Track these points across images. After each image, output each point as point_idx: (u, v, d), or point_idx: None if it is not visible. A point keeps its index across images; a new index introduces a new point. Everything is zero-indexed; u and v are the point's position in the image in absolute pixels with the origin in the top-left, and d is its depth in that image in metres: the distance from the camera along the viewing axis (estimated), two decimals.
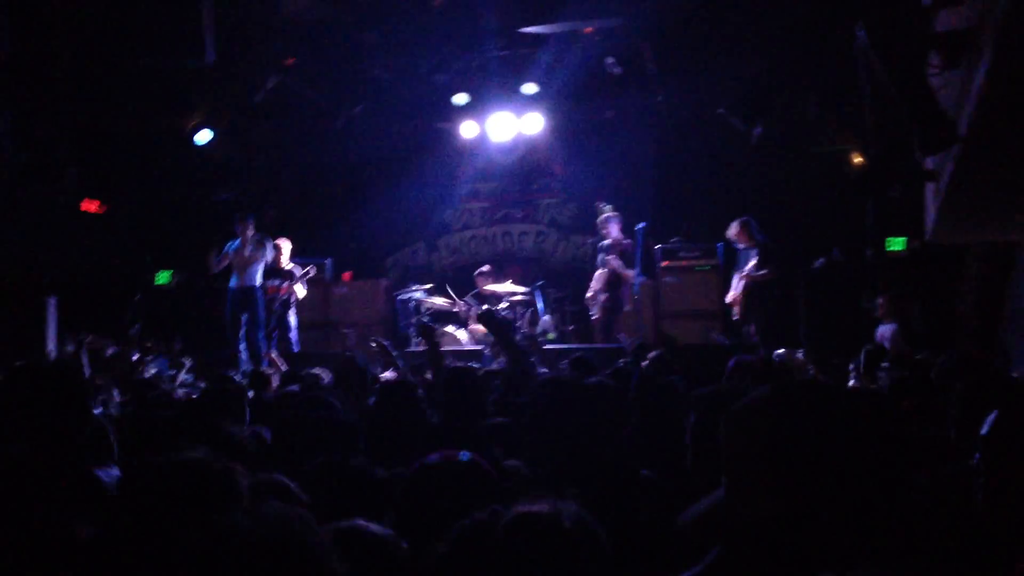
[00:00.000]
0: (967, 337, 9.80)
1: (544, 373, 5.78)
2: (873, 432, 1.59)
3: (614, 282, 10.86)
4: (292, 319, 11.07)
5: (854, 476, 1.53)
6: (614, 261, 10.80)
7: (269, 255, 10.83)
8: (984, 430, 2.21)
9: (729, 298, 10.61)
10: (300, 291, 11.04)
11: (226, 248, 10.82)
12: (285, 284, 10.96)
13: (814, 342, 9.39)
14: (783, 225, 11.08)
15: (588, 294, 11.17)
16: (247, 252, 10.72)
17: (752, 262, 10.31)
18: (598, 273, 11.05)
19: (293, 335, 11.04)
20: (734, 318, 10.55)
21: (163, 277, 13.27)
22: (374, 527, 2.10)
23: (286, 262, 11.14)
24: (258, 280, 10.74)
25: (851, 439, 1.56)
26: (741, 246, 10.58)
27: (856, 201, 9.92)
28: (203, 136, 12.23)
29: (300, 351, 10.87)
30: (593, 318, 11.18)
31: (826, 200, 11.06)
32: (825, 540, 1.50)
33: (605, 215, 11.13)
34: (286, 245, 11.21)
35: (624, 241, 10.83)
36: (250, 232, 10.77)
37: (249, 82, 11.63)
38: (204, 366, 9.39)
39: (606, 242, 11.03)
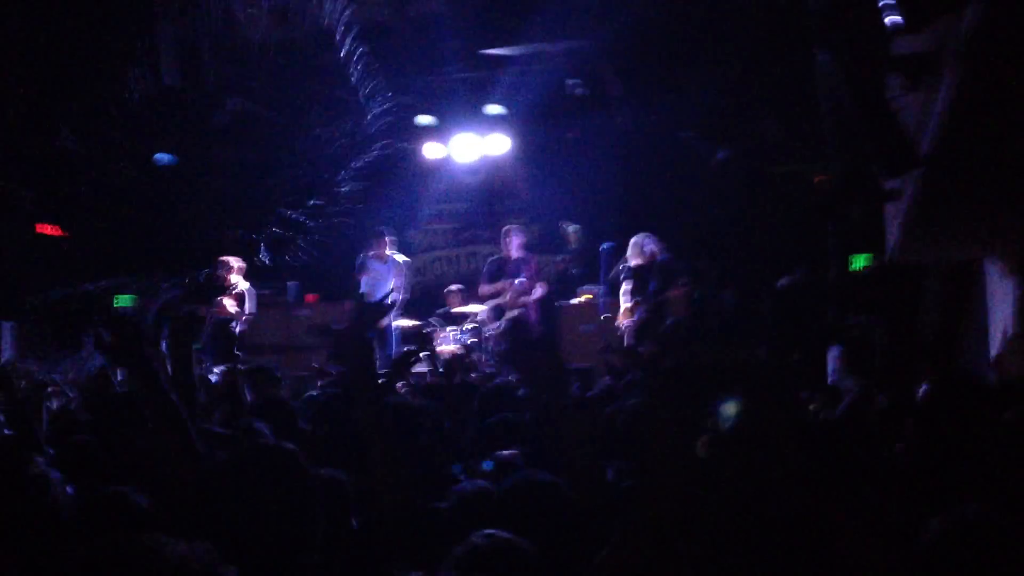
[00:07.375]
0: (927, 355, 9.84)
1: None
2: None
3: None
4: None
5: None
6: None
7: None
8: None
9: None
10: (230, 307, 10.75)
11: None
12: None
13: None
14: (747, 245, 11.09)
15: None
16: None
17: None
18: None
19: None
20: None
21: (124, 300, 13.04)
22: None
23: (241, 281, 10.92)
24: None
25: None
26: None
27: (819, 221, 9.95)
28: (163, 159, 12.10)
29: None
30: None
31: (789, 220, 11.10)
32: None
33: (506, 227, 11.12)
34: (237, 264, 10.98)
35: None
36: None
37: (210, 104, 11.52)
38: None
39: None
